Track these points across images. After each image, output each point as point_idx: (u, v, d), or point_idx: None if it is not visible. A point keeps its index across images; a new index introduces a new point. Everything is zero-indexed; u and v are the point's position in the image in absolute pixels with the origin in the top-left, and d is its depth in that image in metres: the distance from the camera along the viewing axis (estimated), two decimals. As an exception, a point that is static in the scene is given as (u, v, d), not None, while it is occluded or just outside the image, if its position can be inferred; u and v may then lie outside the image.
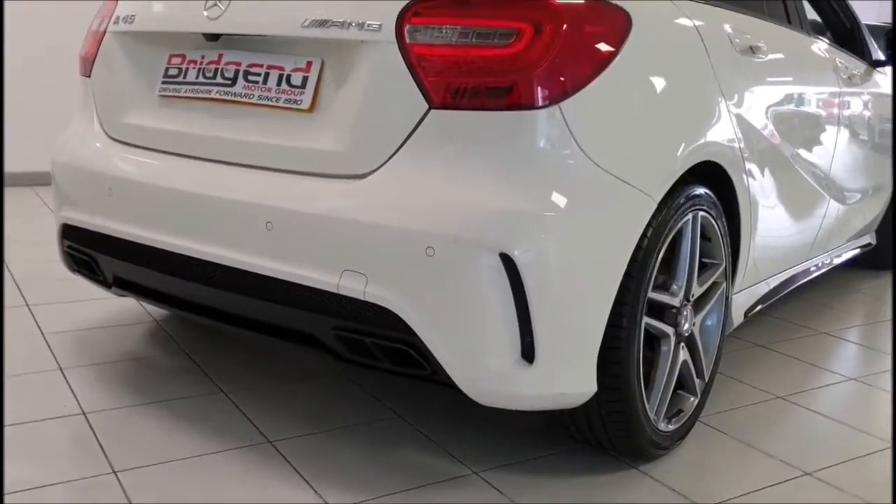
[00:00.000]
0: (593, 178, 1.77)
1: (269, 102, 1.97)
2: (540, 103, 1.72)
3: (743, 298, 2.58)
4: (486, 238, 1.68)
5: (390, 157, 1.79)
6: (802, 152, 2.81)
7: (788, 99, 2.65)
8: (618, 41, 1.83)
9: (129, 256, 2.18)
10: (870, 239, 4.13)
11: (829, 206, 3.12)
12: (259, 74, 2.00)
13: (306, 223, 1.82)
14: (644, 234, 1.88)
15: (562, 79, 1.73)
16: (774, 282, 2.86)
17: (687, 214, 2.05)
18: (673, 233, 2.00)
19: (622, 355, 1.87)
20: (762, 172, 2.44)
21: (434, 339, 1.72)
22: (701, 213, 2.11)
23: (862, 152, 3.47)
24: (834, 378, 2.80)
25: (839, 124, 3.05)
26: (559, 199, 1.72)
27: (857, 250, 3.91)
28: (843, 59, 3.28)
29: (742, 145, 2.27)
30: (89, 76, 2.40)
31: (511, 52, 1.72)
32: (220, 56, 2.07)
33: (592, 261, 1.79)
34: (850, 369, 2.89)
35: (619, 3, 1.87)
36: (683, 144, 2.01)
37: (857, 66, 3.50)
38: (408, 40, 1.76)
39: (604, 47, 1.81)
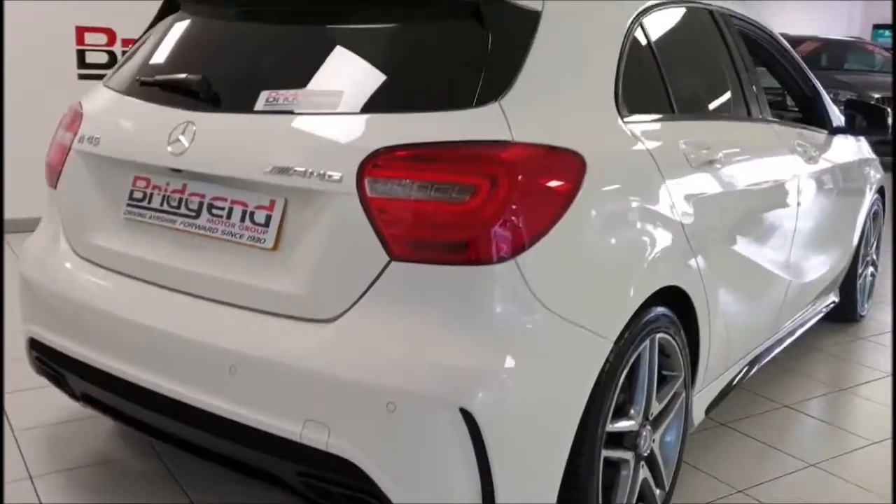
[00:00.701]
0: (551, 327, 1.82)
1: (234, 239, 1.99)
2: (496, 258, 1.75)
3: (703, 398, 2.64)
4: (446, 395, 1.72)
5: (352, 306, 1.82)
6: (762, 247, 2.88)
7: (746, 200, 2.70)
8: (573, 187, 1.87)
9: (96, 380, 2.19)
10: (834, 297, 4.21)
11: (790, 286, 3.19)
12: (223, 209, 2.02)
13: (270, 371, 1.85)
14: (602, 371, 1.93)
15: (518, 233, 1.77)
16: (734, 371, 2.91)
17: (644, 341, 2.10)
18: (631, 362, 2.04)
19: (581, 493, 1.92)
20: (720, 279, 2.49)
21: (397, 491, 1.76)
22: (659, 335, 2.17)
23: (823, 223, 3.55)
24: (794, 464, 2.86)
25: (799, 206, 3.11)
26: (517, 353, 1.77)
27: (823, 311, 3.99)
28: (802, 138, 3.35)
29: (700, 262, 2.32)
30: (55, 188, 2.41)
31: (468, 207, 1.75)
32: (185, 186, 2.09)
33: (550, 407, 1.83)
34: (810, 452, 2.95)
35: (572, 147, 1.91)
36: (640, 278, 2.06)
37: (817, 138, 3.57)
38: (368, 193, 1.79)
39: (559, 196, 1.85)
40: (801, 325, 3.65)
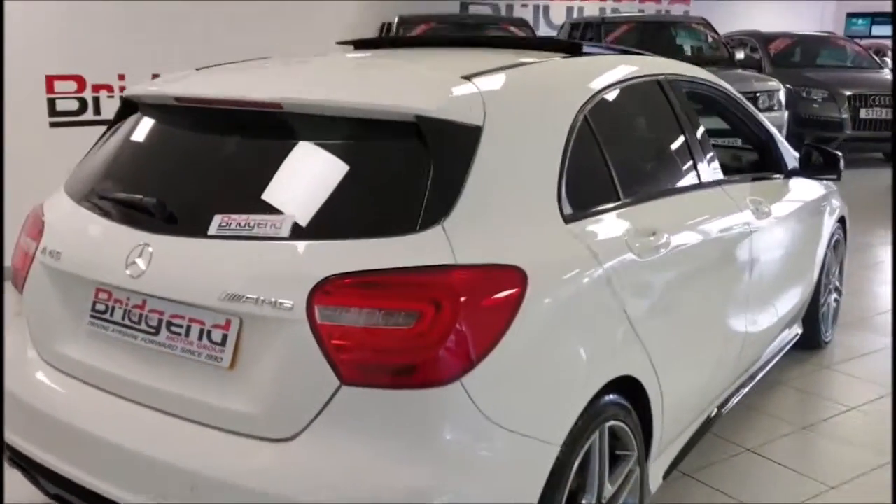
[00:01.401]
0: (498, 441, 1.90)
1: (192, 357, 2.06)
2: (443, 380, 1.83)
3: (660, 465, 2.73)
4: (397, 519, 1.80)
5: (305, 428, 1.90)
6: (714, 313, 2.97)
7: (695, 274, 2.79)
8: (515, 303, 1.95)
9: (64, 486, 2.26)
10: (798, 329, 4.31)
11: (748, 338, 3.28)
12: (181, 326, 2.09)
13: (228, 491, 1.92)
14: (551, 473, 2.01)
15: (463, 354, 1.85)
16: (693, 428, 3.01)
17: (594, 434, 2.18)
18: (580, 457, 2.13)
19: None
20: (670, 356, 2.58)
21: None
22: (609, 423, 2.25)
23: (780, 269, 3.64)
24: (753, 518, 2.96)
25: (752, 262, 3.20)
26: (465, 472, 1.85)
27: (787, 346, 4.09)
28: (755, 190, 3.44)
29: (648, 346, 2.41)
30: (21, 292, 2.47)
31: (414, 332, 1.83)
32: (145, 302, 2.16)
33: (500, 519, 1.92)
34: None
35: (514, 262, 1.98)
36: (585, 377, 2.15)
37: (771, 185, 3.66)
38: (318, 319, 1.87)
39: (502, 313, 1.93)
40: (763, 367, 3.75)
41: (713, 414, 3.21)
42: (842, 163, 3.80)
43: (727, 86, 3.62)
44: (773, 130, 3.90)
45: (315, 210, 2.03)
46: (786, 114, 10.15)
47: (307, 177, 2.10)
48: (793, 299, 3.92)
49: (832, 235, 4.43)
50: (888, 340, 4.80)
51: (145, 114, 2.51)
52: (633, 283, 2.38)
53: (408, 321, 1.84)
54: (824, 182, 4.24)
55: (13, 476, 2.57)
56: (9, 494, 2.63)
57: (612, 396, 2.27)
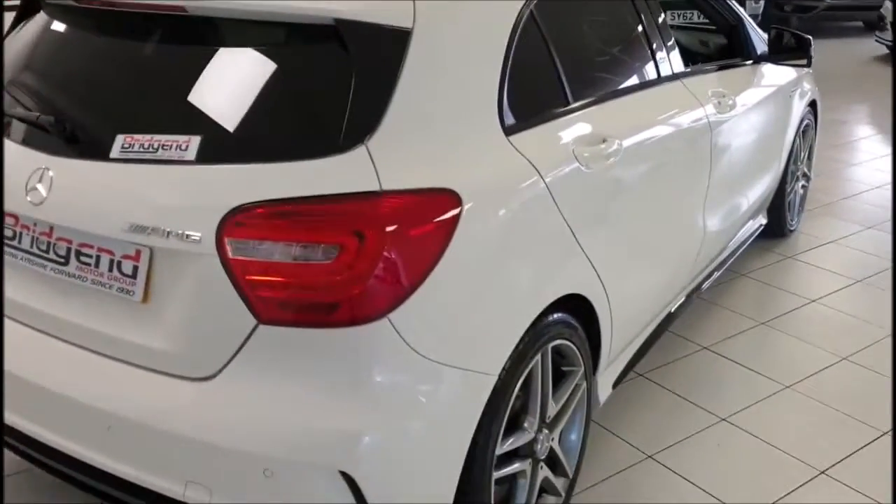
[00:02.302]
0: (430, 376, 1.80)
1: (104, 289, 1.92)
2: (369, 318, 1.71)
3: (609, 374, 2.67)
4: (324, 459, 1.72)
5: (224, 367, 1.78)
6: (669, 217, 2.84)
7: (648, 180, 2.64)
8: (448, 230, 1.81)
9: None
10: (762, 219, 4.22)
11: (707, 234, 3.18)
12: (91, 256, 1.94)
13: (146, 431, 1.83)
14: (487, 404, 1.93)
15: (390, 289, 1.72)
16: (647, 332, 2.94)
17: (536, 356, 2.09)
18: (520, 383, 2.04)
19: (472, 524, 1.96)
20: (621, 268, 2.47)
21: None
22: (554, 343, 2.16)
23: (743, 162, 3.50)
24: (705, 419, 2.93)
25: (712, 159, 3.05)
26: (395, 410, 1.76)
27: (751, 238, 4.00)
28: (719, 81, 3.26)
29: (595, 261, 2.29)
30: None
31: (335, 267, 1.70)
32: (52, 229, 1.99)
33: (434, 454, 1.84)
34: (722, 404, 3.02)
35: (447, 185, 1.83)
36: (526, 301, 2.03)
37: (737, 73, 3.48)
38: (230, 254, 1.72)
39: (433, 242, 1.79)
40: (725, 262, 3.67)
41: (670, 313, 3.14)
42: (812, 47, 3.61)
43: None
44: (742, 14, 3.68)
45: (225, 130, 1.85)
46: (766, -18, 9.76)
47: (215, 92, 1.90)
48: (757, 191, 3.81)
49: (801, 121, 4.28)
50: (854, 227, 4.74)
51: (48, 14, 2.27)
52: (579, 196, 2.23)
53: (328, 255, 1.70)
54: (794, 69, 4.06)
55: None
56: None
57: (556, 316, 2.16)
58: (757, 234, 4.13)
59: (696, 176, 3.00)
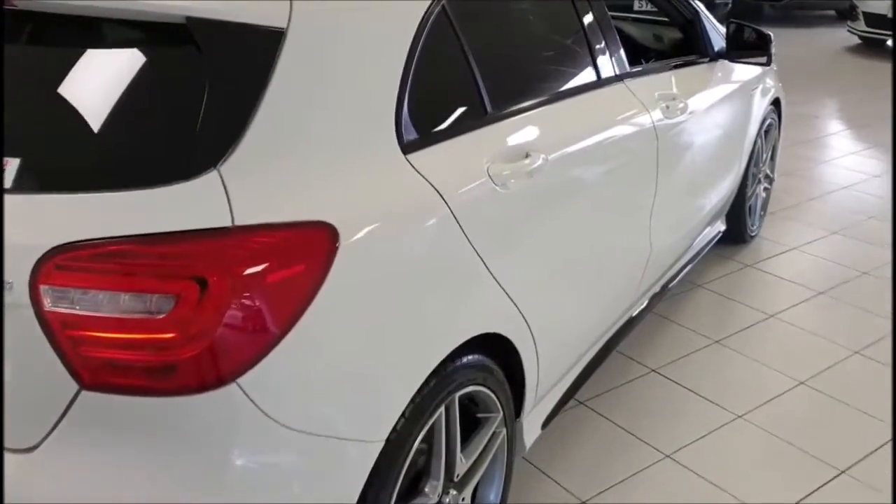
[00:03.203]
0: (294, 449, 1.51)
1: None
2: (213, 383, 1.41)
3: (535, 415, 2.38)
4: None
5: (47, 437, 1.48)
6: (608, 237, 2.56)
7: (583, 197, 2.35)
8: (320, 270, 1.51)
9: None
10: (721, 226, 3.96)
11: (655, 251, 2.90)
12: None
13: None
14: (374, 471, 1.64)
15: (241, 347, 1.43)
16: (582, 365, 2.66)
17: (439, 408, 1.81)
18: (420, 438, 1.76)
19: None
20: (549, 297, 2.19)
21: None
22: (463, 390, 1.88)
23: (696, 169, 3.23)
24: (649, 456, 2.66)
25: (658, 169, 2.77)
26: (251, 489, 1.47)
27: (707, 247, 3.74)
28: (671, 81, 2.97)
29: (516, 294, 2.01)
30: None
31: (170, 320, 1.39)
32: None
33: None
34: (668, 439, 2.75)
35: (320, 217, 1.53)
36: (423, 354, 1.74)
37: (691, 72, 3.20)
38: (46, 305, 1.41)
39: (299, 288, 1.49)
40: (677, 276, 3.40)
41: (614, 334, 2.86)
42: (772, 45, 3.33)
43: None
44: (699, 7, 3.39)
45: (48, 151, 1.53)
46: (736, -31, 9.50)
47: (39, 104, 1.58)
48: (714, 198, 3.54)
49: (764, 121, 4.01)
50: (819, 232, 4.49)
51: None
52: (494, 220, 1.94)
53: (162, 307, 1.39)
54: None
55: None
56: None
57: (466, 359, 1.88)
58: (715, 241, 3.87)
59: (640, 188, 2.71)
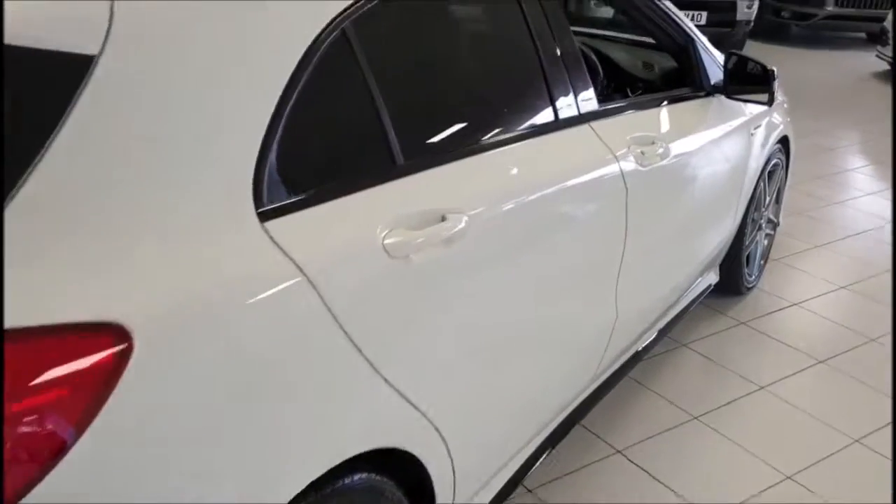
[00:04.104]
0: None
1: None
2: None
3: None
4: None
5: None
6: (554, 307, 2.14)
7: (520, 264, 1.93)
8: (100, 387, 1.11)
9: None
10: (713, 277, 3.53)
11: (621, 320, 2.48)
12: None
13: None
14: None
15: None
16: (520, 460, 2.24)
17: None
18: None
19: None
20: (467, 396, 1.79)
21: None
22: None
23: (680, 222, 2.82)
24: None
25: (629, 224, 2.35)
26: None
27: (696, 302, 3.32)
28: (648, 125, 2.55)
29: (419, 393, 1.60)
30: None
31: None
32: None
33: None
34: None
35: (103, 316, 1.13)
36: (268, 488, 1.34)
37: (676, 115, 2.77)
38: None
39: (69, 411, 1.09)
40: (654, 343, 2.98)
41: (572, 414, 2.45)
42: (776, 82, 2.90)
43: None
44: (695, 33, 2.97)
45: None
46: (759, -14, 9.03)
47: None
48: (702, 252, 3.12)
49: (768, 162, 3.58)
50: (824, 285, 4.05)
51: None
52: (388, 306, 1.54)
53: None
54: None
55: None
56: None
57: (346, 482, 1.48)
58: (706, 294, 3.45)
59: (603, 248, 2.30)
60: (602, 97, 2.85)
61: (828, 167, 5.99)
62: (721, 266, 3.59)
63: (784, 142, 3.78)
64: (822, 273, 4.18)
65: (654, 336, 2.95)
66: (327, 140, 1.55)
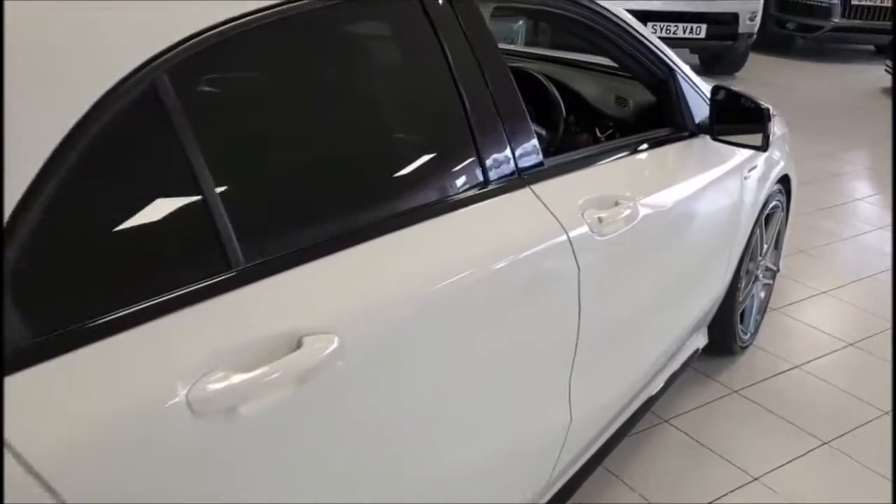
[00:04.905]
0: None
1: None
2: None
3: None
4: None
5: None
6: (474, 424, 1.67)
7: (420, 379, 1.46)
8: None
9: None
10: (701, 340, 3.06)
11: (577, 418, 2.02)
12: None
13: None
14: None
15: None
16: None
17: None
18: None
19: None
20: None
21: None
22: None
23: (657, 285, 2.34)
24: None
25: (583, 305, 1.88)
26: None
27: (678, 377, 2.84)
28: (609, 181, 2.08)
29: None
30: None
31: None
32: None
33: None
34: None
35: None
36: None
37: (650, 164, 2.31)
38: None
39: None
40: (628, 426, 2.50)
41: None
42: (770, 123, 2.42)
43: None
44: (676, 63, 2.50)
45: None
46: (762, -1, 8.55)
47: None
48: (683, 322, 2.65)
49: (765, 205, 3.11)
50: (829, 343, 3.56)
51: None
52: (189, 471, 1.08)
53: None
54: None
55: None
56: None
57: None
58: (694, 360, 2.98)
59: (547, 344, 1.83)
60: (559, 145, 2.39)
61: (833, 196, 5.50)
62: (711, 327, 3.11)
63: (785, 180, 3.31)
64: (826, 326, 3.70)
65: (625, 421, 2.48)
66: (111, 242, 1.09)
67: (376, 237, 1.40)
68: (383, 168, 1.52)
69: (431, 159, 1.60)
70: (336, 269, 1.31)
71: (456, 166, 1.63)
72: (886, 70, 9.09)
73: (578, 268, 1.82)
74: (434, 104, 1.64)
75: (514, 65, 2.85)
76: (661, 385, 2.70)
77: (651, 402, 2.66)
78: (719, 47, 8.56)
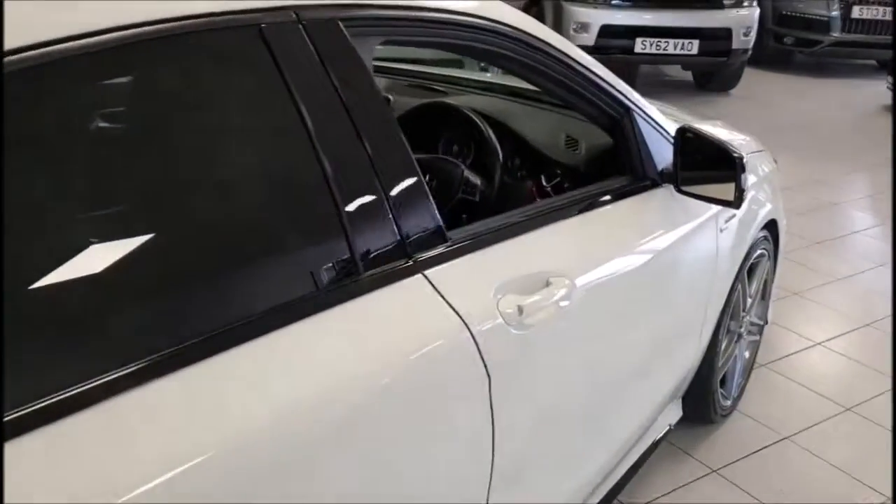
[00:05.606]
0: None
1: None
2: None
3: None
4: None
5: None
6: None
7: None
8: None
9: None
10: (674, 412, 2.66)
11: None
12: None
13: None
14: None
15: None
16: None
17: None
18: None
19: None
20: None
21: None
22: None
23: (608, 374, 1.94)
24: None
25: (495, 413, 1.48)
26: None
27: (650, 454, 2.44)
28: (541, 255, 1.68)
29: None
30: None
31: None
32: None
33: None
34: None
35: None
36: None
37: (601, 224, 1.91)
38: None
39: None
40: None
41: None
42: (744, 175, 2.01)
43: (527, 21, 1.79)
44: (634, 100, 2.10)
45: None
46: (756, 11, 8.15)
47: None
48: (645, 407, 2.27)
49: (748, 256, 2.71)
50: (824, 406, 3.15)
51: None
52: None
53: None
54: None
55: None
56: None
57: None
58: (666, 438, 2.57)
59: (445, 474, 1.42)
60: (496, 197, 2.01)
61: (830, 228, 5.09)
62: (685, 398, 2.71)
63: (771, 225, 2.92)
64: (820, 385, 3.29)
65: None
66: None
67: (200, 360, 1.01)
68: (190, 269, 1.12)
69: (263, 251, 1.20)
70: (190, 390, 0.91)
71: (308, 256, 1.23)
72: (888, 87, 8.70)
73: (488, 374, 1.42)
74: (272, 172, 1.24)
75: (446, 100, 2.46)
76: (625, 472, 2.29)
77: (615, 492, 2.25)
78: (712, 64, 8.18)
